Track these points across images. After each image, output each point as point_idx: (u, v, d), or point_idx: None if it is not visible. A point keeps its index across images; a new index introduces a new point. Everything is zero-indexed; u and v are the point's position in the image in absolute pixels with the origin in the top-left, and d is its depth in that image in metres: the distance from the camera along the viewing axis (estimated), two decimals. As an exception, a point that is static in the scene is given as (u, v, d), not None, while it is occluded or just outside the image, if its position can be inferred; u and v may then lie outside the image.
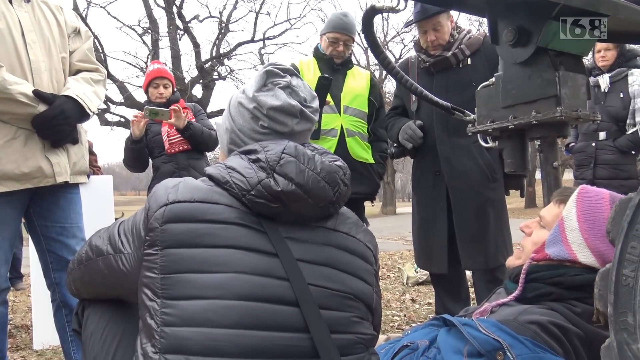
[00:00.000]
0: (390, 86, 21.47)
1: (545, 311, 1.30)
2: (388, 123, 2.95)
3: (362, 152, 3.03)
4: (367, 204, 3.24)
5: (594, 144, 3.83)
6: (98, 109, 2.27)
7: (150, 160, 3.59)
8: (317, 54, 3.10)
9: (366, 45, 22.97)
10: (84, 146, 2.16)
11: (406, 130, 2.72)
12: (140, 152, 3.47)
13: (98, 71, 2.17)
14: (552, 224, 1.42)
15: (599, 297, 0.90)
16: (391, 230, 12.77)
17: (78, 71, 2.11)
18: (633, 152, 3.72)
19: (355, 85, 3.07)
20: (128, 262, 1.09)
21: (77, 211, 2.15)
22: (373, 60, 23.40)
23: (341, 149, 2.91)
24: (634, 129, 3.64)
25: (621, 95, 3.71)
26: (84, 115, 2.04)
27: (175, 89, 3.67)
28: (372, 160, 3.07)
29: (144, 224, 1.07)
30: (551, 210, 1.48)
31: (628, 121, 3.69)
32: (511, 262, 1.54)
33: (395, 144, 2.88)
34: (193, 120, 3.47)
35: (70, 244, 2.09)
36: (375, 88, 3.15)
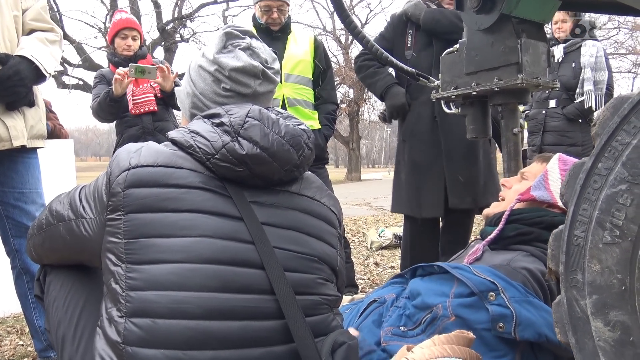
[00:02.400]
0: (356, 51, 21.27)
1: (532, 259, 1.41)
2: (365, 65, 2.85)
3: (307, 120, 2.96)
4: (330, 171, 3.23)
5: (544, 112, 3.97)
6: (54, 71, 2.18)
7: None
8: (255, 23, 3.00)
9: (332, 9, 22.67)
10: (41, 109, 2.09)
11: (396, 105, 2.70)
12: (119, 108, 3.18)
13: (53, 31, 2.08)
14: (536, 175, 1.58)
15: (551, 256, 0.94)
16: (356, 196, 12.91)
17: (32, 31, 2.02)
18: (580, 120, 3.85)
19: (297, 51, 2.99)
20: (90, 227, 1.08)
21: (35, 176, 2.09)
22: (339, 25, 23.14)
23: None
24: (582, 98, 3.78)
25: (573, 65, 3.86)
26: (40, 76, 1.97)
27: (143, 43, 3.38)
28: (318, 126, 3.01)
29: (106, 189, 1.05)
30: (534, 167, 1.65)
31: (577, 90, 3.82)
32: (490, 210, 1.65)
33: (383, 111, 2.86)
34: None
35: (29, 210, 2.04)
36: (319, 50, 3.06)
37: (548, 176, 1.53)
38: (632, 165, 0.82)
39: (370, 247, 5.10)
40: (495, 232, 1.49)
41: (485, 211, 1.67)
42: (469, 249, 1.64)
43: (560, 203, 1.44)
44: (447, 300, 1.26)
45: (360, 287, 3.65)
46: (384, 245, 5.04)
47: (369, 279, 3.91)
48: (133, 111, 3.18)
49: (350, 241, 5.60)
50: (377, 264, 4.43)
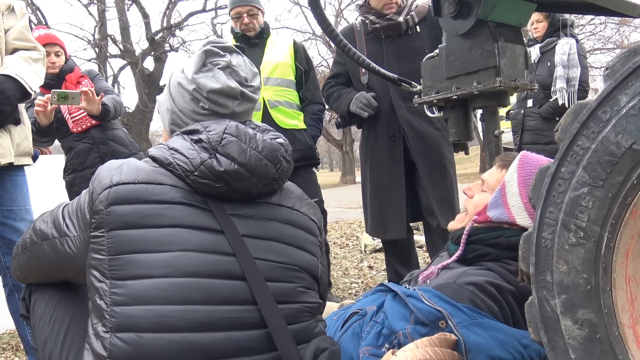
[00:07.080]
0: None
1: (482, 272, 1.38)
2: (330, 93, 2.89)
3: (290, 119, 2.99)
4: (324, 175, 3.26)
5: (522, 111, 4.00)
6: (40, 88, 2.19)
7: (56, 140, 3.18)
8: (233, 33, 3.06)
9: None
10: (26, 127, 2.11)
11: (360, 100, 2.68)
12: (53, 134, 3.02)
13: (36, 49, 2.10)
14: (494, 187, 1.50)
15: (522, 258, 0.97)
16: (351, 198, 12.91)
17: (15, 50, 2.04)
18: (557, 118, 3.84)
19: (276, 54, 3.03)
20: (74, 245, 1.10)
21: (24, 194, 2.11)
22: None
23: (267, 121, 2.85)
24: (556, 96, 3.82)
25: (548, 64, 3.89)
26: (24, 95, 1.99)
27: (68, 57, 3.17)
28: (303, 126, 3.05)
29: (89, 207, 1.08)
30: (493, 174, 1.56)
31: (552, 88, 3.85)
32: (453, 225, 1.61)
33: (339, 116, 2.87)
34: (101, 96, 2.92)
35: (19, 227, 2.06)
36: (299, 53, 3.11)
37: (505, 191, 1.45)
38: (592, 169, 0.86)
39: (364, 250, 5.12)
40: (455, 257, 1.46)
41: (449, 225, 1.63)
42: (436, 260, 1.64)
43: (519, 221, 1.40)
44: (407, 326, 1.26)
45: (354, 291, 3.68)
46: (377, 248, 5.05)
47: (363, 282, 3.94)
48: (75, 129, 2.99)
49: (344, 245, 5.62)
50: (370, 267, 4.45)
